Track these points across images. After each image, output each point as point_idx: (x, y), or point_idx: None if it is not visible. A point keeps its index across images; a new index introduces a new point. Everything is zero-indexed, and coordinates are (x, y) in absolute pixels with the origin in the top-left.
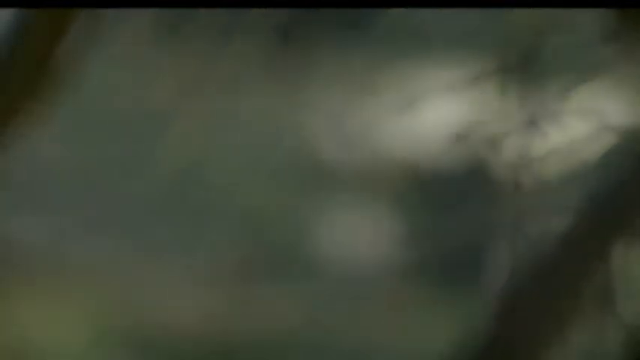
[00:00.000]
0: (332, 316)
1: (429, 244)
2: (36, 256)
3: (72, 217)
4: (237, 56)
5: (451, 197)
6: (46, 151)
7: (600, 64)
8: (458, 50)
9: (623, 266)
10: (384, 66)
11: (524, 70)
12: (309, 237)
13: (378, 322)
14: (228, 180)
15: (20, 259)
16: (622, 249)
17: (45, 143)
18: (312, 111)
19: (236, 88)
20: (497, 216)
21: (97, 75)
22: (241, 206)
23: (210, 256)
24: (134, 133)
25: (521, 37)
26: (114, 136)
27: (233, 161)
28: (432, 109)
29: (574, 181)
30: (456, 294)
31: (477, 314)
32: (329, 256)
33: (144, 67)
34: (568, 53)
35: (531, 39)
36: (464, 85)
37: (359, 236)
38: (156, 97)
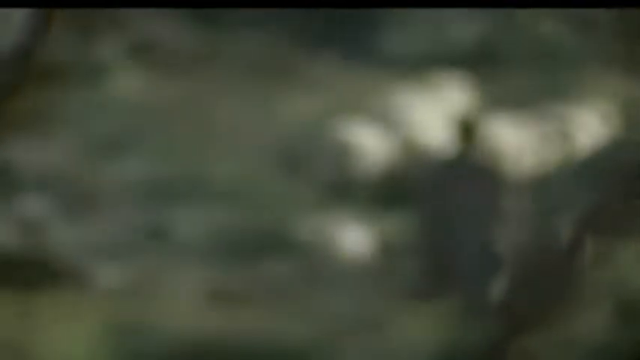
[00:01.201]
0: (325, 316)
1: (422, 242)
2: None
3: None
4: (241, 56)
5: (442, 193)
6: (48, 152)
7: (588, 65)
8: (442, 61)
9: (615, 265)
10: (372, 76)
11: (506, 72)
12: (300, 232)
13: (370, 318)
14: (227, 176)
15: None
16: (611, 248)
17: (50, 143)
18: (307, 113)
19: (237, 88)
20: (490, 212)
21: (103, 75)
22: (241, 205)
23: (211, 247)
24: (141, 133)
25: (501, 42)
26: (122, 135)
27: (232, 158)
28: (420, 112)
29: (561, 180)
30: (449, 292)
31: (471, 312)
32: (320, 250)
33: (151, 67)
34: (556, 54)
35: (513, 43)
36: (444, 88)
37: (348, 232)
38: (163, 95)
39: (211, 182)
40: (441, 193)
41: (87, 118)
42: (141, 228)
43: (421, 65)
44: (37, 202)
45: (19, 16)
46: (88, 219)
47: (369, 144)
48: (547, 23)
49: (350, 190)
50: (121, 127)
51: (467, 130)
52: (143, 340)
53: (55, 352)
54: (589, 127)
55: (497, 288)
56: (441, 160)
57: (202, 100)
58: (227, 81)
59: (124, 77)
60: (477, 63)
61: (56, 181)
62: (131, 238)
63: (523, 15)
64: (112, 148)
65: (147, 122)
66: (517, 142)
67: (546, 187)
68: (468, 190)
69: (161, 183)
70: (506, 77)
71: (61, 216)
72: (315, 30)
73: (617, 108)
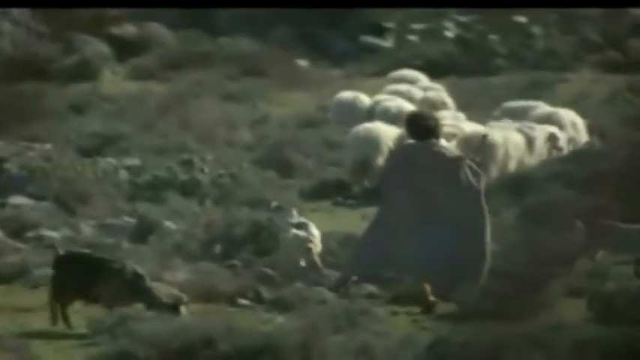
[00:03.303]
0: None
1: (405, 239)
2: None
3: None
4: (229, 56)
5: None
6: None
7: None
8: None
9: (595, 264)
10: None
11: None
12: (287, 229)
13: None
14: (214, 175)
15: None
16: (589, 251)
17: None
18: (295, 112)
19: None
20: (469, 209)
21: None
22: (228, 203)
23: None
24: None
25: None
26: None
27: (219, 156)
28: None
29: (541, 178)
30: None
31: (458, 311)
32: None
33: (140, 67)
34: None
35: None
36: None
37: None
38: (153, 94)
39: (198, 181)
40: (405, 182)
41: (77, 116)
42: (129, 226)
43: (408, 66)
44: (27, 200)
45: (7, 17)
46: (77, 217)
47: (355, 142)
48: (530, 24)
49: (337, 186)
50: (110, 125)
51: (431, 124)
52: (134, 338)
53: (50, 351)
54: (571, 126)
55: (473, 280)
56: (405, 151)
57: (190, 99)
58: (216, 80)
59: (113, 77)
60: (459, 63)
61: (46, 179)
62: (117, 236)
63: (506, 15)
64: (100, 146)
65: (137, 121)
66: (500, 140)
67: (527, 185)
68: (431, 182)
69: (149, 181)
70: (489, 76)
71: (51, 214)
72: (304, 31)
73: (598, 107)
